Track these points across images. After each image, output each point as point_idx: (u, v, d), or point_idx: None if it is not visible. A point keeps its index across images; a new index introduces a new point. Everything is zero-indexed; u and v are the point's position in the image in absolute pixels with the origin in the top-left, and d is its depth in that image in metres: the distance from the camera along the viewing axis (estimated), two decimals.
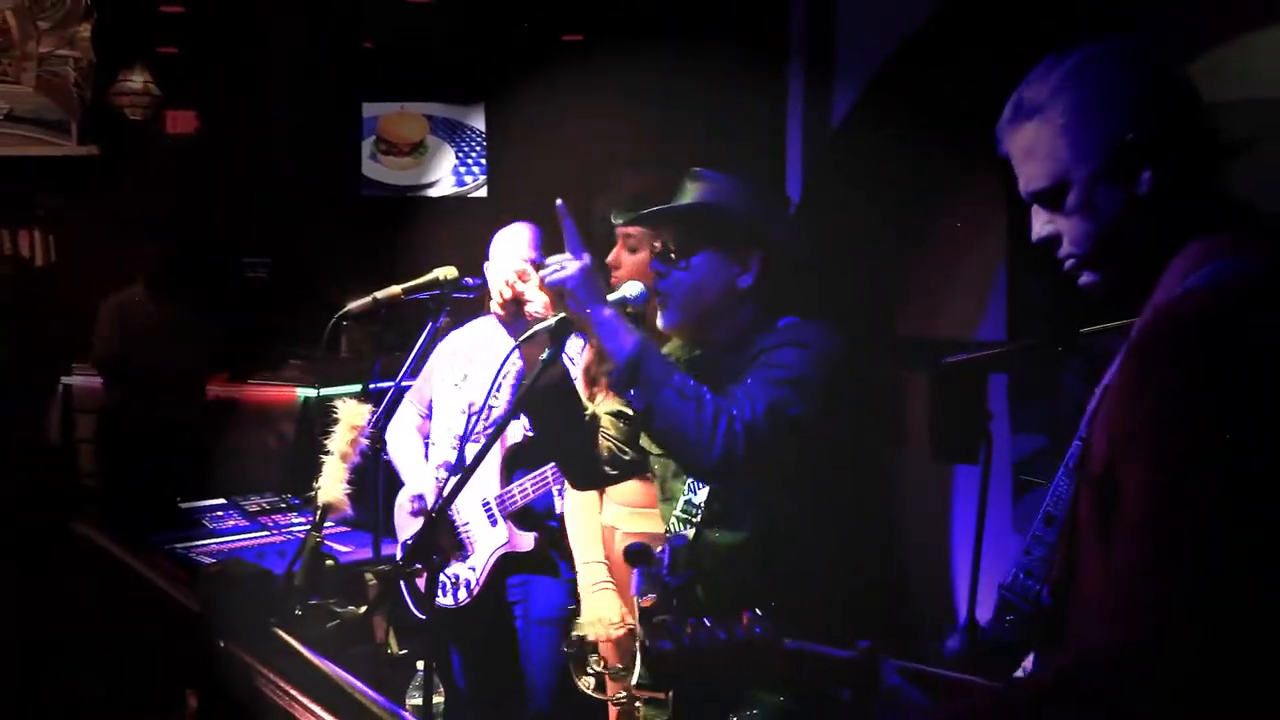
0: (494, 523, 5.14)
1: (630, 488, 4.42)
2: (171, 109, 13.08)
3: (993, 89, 7.25)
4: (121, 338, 9.11)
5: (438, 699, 4.25)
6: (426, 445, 5.43)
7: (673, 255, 3.61)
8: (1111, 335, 6.63)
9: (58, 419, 9.87)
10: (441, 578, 5.18)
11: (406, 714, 2.63)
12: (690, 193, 3.65)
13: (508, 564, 5.12)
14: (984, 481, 5.05)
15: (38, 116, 12.15)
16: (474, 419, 5.13)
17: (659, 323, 3.66)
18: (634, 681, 3.30)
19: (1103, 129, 2.35)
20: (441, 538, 5.12)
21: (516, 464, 5.16)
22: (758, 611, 2.54)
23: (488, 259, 5.28)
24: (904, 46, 7.30)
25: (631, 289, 4.17)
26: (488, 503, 5.14)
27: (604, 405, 4.42)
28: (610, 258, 4.35)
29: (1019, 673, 2.58)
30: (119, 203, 11.24)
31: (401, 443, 5.47)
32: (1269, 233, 2.32)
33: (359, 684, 2.66)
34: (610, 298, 4.15)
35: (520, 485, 5.11)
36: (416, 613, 5.11)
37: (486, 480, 5.14)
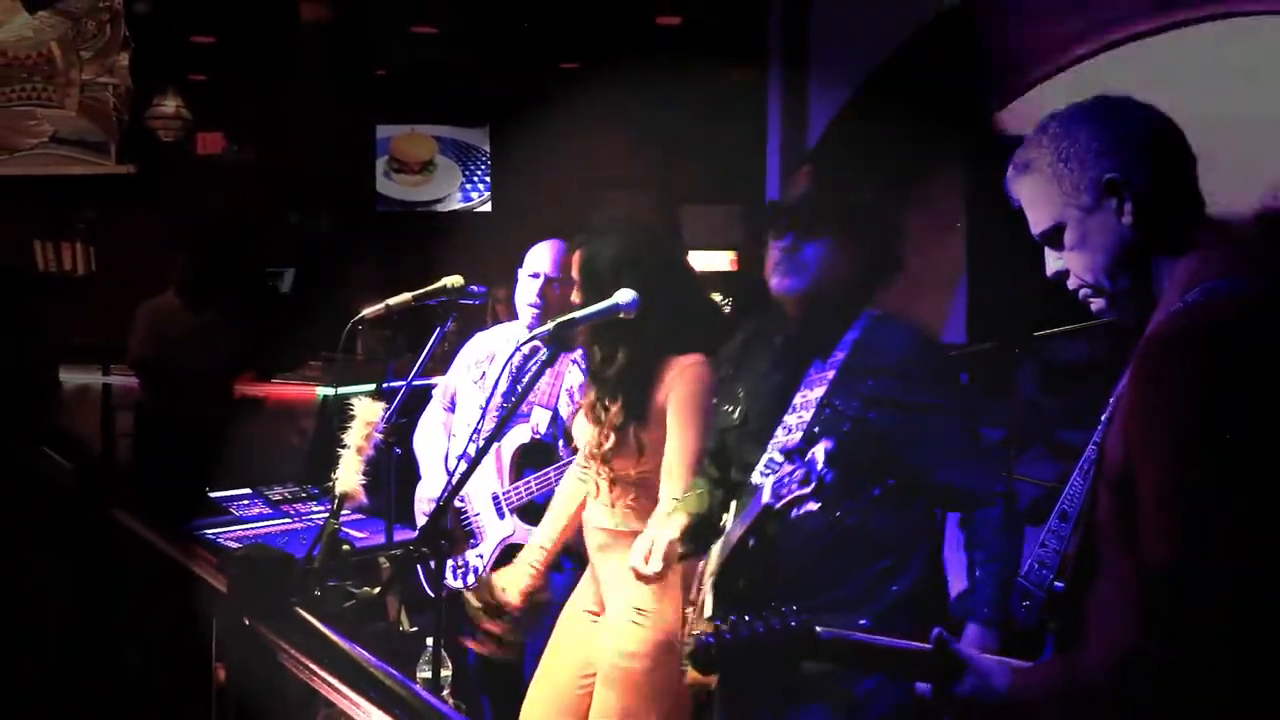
0: (501, 515, 5.14)
1: (602, 488, 4.42)
2: (201, 131, 13.08)
3: (951, 113, 7.28)
4: (155, 341, 9.10)
5: (445, 672, 4.22)
6: (451, 439, 5.43)
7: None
8: (1062, 338, 6.66)
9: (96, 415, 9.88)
10: (454, 564, 5.19)
11: (416, 686, 2.62)
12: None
13: (512, 553, 5.12)
14: None
15: (80, 138, 12.15)
16: (483, 415, 5.13)
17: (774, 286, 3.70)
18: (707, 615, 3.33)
19: (1084, 174, 2.46)
20: (453, 526, 5.13)
21: (525, 463, 5.15)
22: (793, 606, 2.53)
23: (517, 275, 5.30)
24: (871, 75, 7.32)
25: (624, 296, 4.17)
26: (496, 497, 5.14)
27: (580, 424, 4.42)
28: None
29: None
30: (154, 217, 11.24)
31: (426, 438, 5.46)
32: (1251, 249, 2.42)
33: (373, 658, 2.66)
34: (601, 306, 4.16)
35: (526, 483, 5.10)
36: (429, 591, 5.11)
37: (497, 476, 5.14)
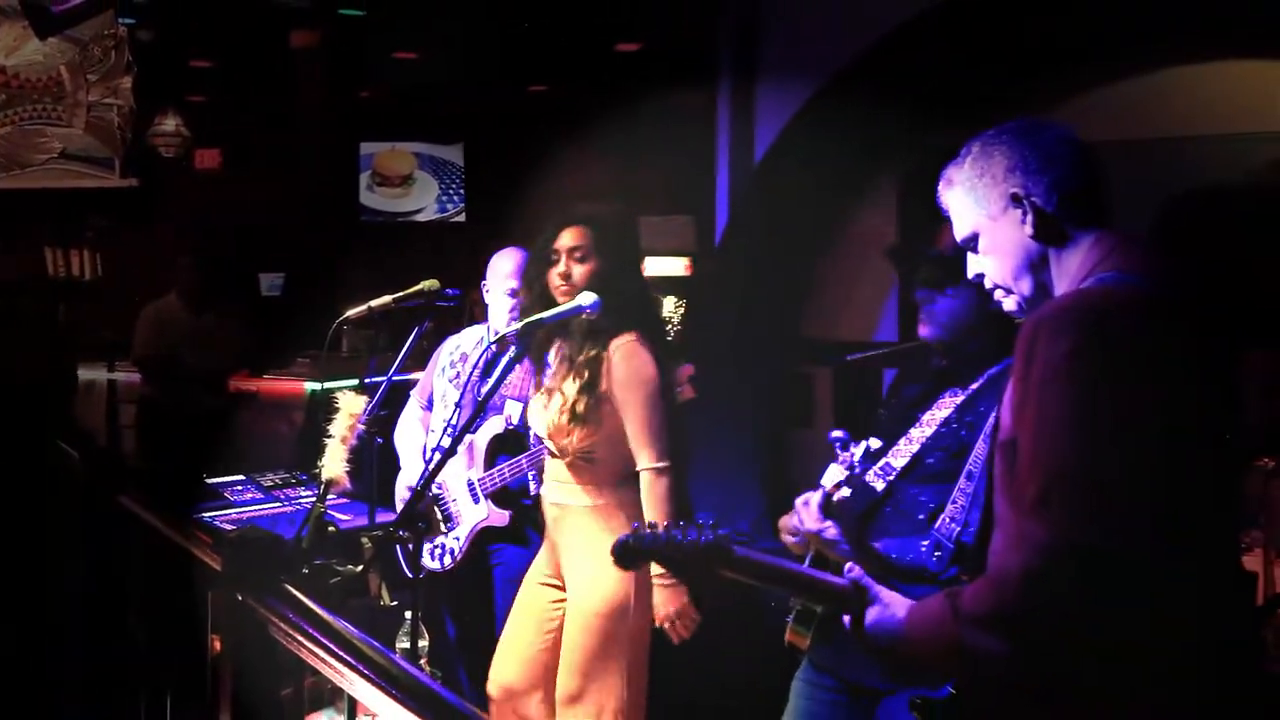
0: (476, 500, 5.13)
1: (557, 467, 4.43)
2: (199, 148, 13.03)
3: (889, 129, 7.29)
4: (157, 340, 9.07)
5: (423, 643, 4.23)
6: (429, 434, 5.41)
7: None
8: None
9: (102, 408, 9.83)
10: (432, 546, 5.18)
11: (396, 655, 2.62)
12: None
13: (487, 535, 5.11)
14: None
15: (87, 154, 12.09)
16: (456, 410, 5.12)
17: (920, 332, 3.66)
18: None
19: (993, 189, 2.55)
20: (430, 511, 5.12)
21: (499, 451, 5.15)
22: (718, 519, 2.59)
23: (484, 277, 5.28)
24: (813, 96, 7.32)
25: (586, 299, 4.17)
26: (472, 483, 5.13)
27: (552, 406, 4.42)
28: (562, 268, 4.34)
29: None
30: (155, 226, 11.20)
31: (404, 434, 5.45)
32: (1144, 251, 2.46)
33: (356, 631, 2.65)
34: (566, 307, 4.16)
35: (500, 470, 5.10)
36: (407, 572, 5.10)
37: (472, 464, 5.13)
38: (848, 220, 7.56)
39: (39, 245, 11.71)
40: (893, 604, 2.51)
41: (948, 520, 2.68)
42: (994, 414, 2.54)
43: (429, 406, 5.44)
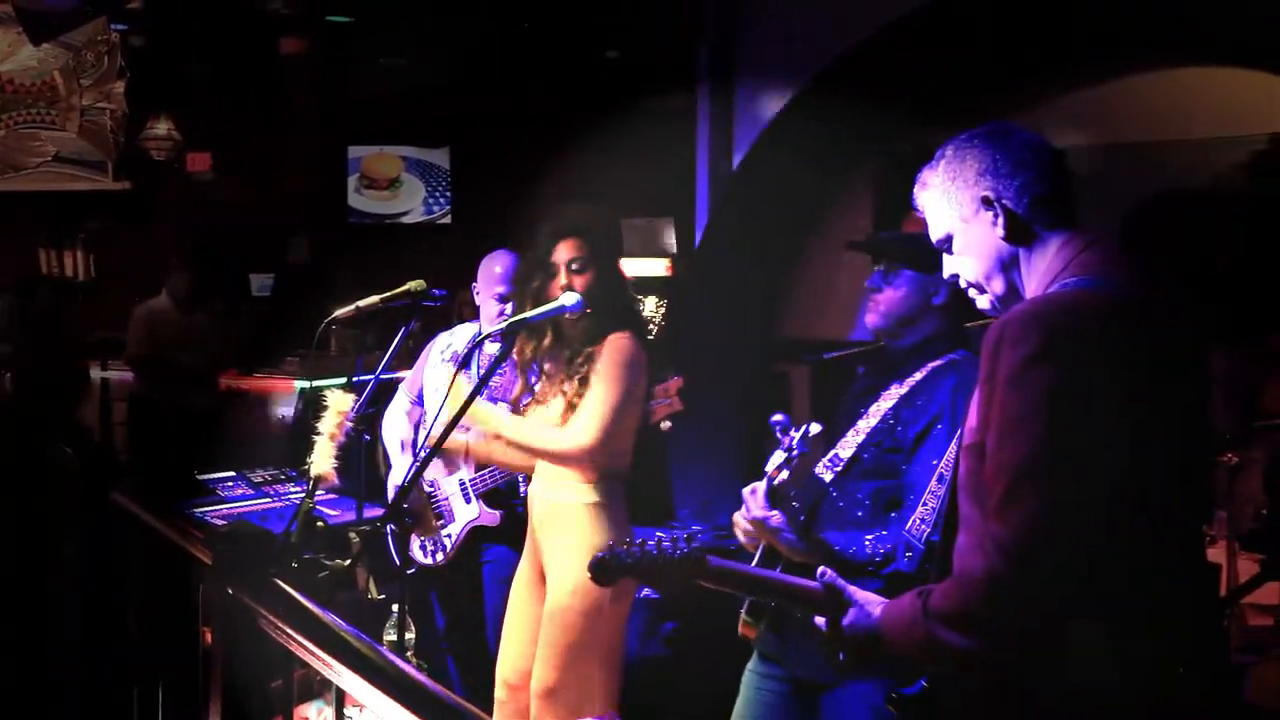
0: (468, 500, 5.12)
1: (546, 465, 4.43)
2: (190, 152, 13.00)
3: (862, 134, 7.29)
4: (149, 339, 9.05)
5: (409, 635, 4.22)
6: (416, 429, 5.39)
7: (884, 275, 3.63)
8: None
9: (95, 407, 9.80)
10: (424, 540, 5.16)
11: (383, 648, 2.60)
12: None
13: (479, 533, 5.10)
14: None
15: (80, 158, 12.06)
16: (443, 405, 5.12)
17: (866, 320, 3.69)
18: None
19: (966, 192, 2.55)
20: (425, 507, 5.11)
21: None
22: (693, 532, 2.62)
23: (474, 279, 5.27)
24: (789, 103, 7.33)
25: (569, 298, 4.17)
26: (464, 483, 5.12)
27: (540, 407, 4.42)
28: (563, 281, 4.33)
29: None
30: (147, 228, 11.18)
31: (391, 427, 5.43)
32: (1108, 255, 2.46)
33: (344, 624, 2.64)
34: (549, 307, 4.16)
35: (491, 472, 5.08)
36: (396, 560, 5.09)
37: (464, 464, 5.12)
38: (823, 222, 7.57)
39: (33, 247, 11.67)
40: (867, 604, 2.53)
41: (919, 521, 2.69)
42: (945, 414, 2.53)
43: (419, 401, 5.42)
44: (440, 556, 5.17)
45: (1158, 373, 2.34)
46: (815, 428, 3.34)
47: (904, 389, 3.50)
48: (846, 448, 3.51)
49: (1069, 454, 2.22)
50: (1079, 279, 2.39)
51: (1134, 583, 2.28)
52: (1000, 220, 2.50)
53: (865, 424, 3.52)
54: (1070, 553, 2.20)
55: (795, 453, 3.24)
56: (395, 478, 5.26)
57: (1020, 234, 2.51)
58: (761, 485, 3.31)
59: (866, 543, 3.30)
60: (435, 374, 5.34)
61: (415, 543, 5.16)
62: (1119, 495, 2.24)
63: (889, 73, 6.85)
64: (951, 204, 2.57)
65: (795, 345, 7.57)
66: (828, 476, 3.50)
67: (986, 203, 2.51)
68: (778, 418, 3.32)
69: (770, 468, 3.30)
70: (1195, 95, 6.45)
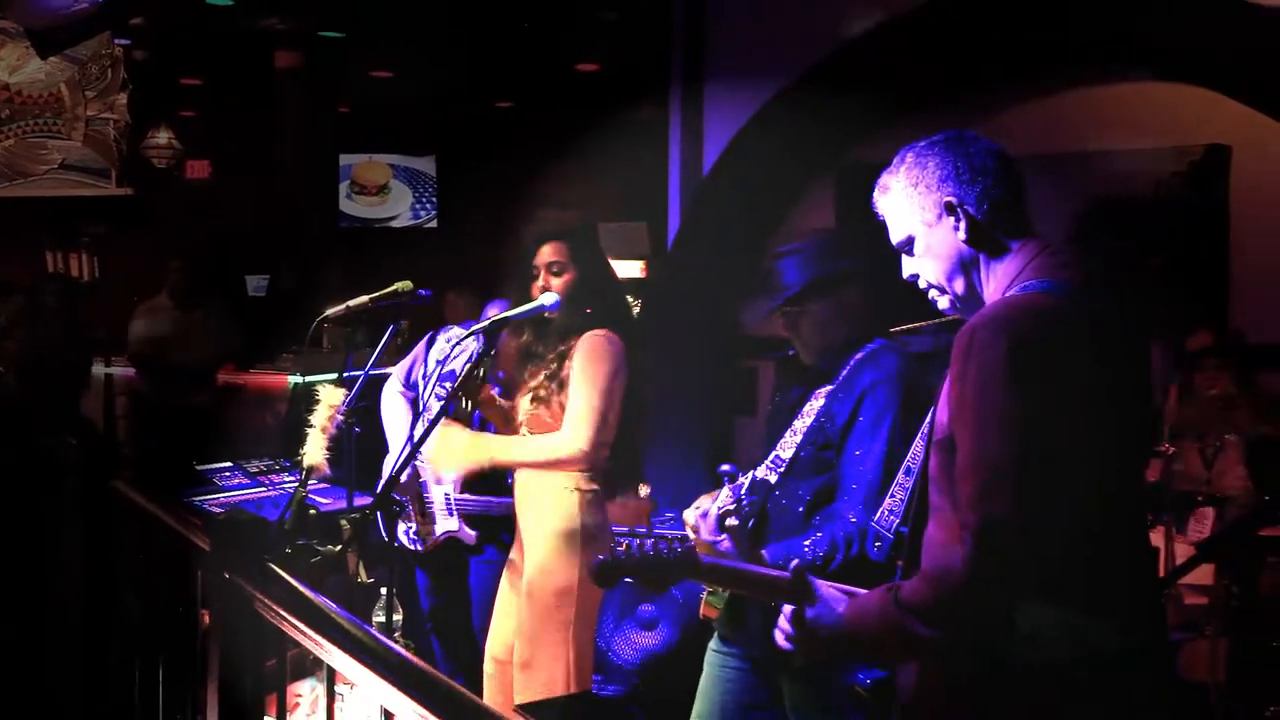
0: (450, 513, 5.13)
1: None
2: (190, 159, 12.97)
3: (825, 142, 7.30)
4: (149, 337, 9.03)
5: (397, 617, 4.21)
6: (412, 406, 5.40)
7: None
8: (916, 333, 6.69)
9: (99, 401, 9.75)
10: (408, 527, 5.17)
11: (372, 629, 2.61)
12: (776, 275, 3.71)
13: (453, 544, 5.11)
14: None
15: (85, 165, 12.04)
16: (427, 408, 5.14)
17: (801, 354, 3.66)
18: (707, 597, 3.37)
19: (928, 197, 2.53)
20: (416, 499, 5.13)
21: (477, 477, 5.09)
22: (681, 538, 2.64)
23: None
24: (756, 112, 7.35)
25: (547, 298, 4.18)
26: (448, 496, 5.14)
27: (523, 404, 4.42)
28: (541, 282, 4.35)
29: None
30: (148, 232, 11.16)
31: (389, 408, 5.43)
32: (1062, 257, 2.46)
33: (335, 606, 2.64)
34: (529, 307, 4.16)
35: (474, 498, 5.08)
36: (384, 535, 5.11)
37: (453, 479, 5.13)
38: (789, 225, 7.58)
39: (40, 249, 11.64)
40: (831, 600, 2.52)
41: (887, 513, 2.70)
42: (931, 412, 2.53)
43: (408, 386, 5.43)
44: (421, 547, 5.18)
45: (1112, 369, 2.37)
46: (761, 473, 3.40)
47: (833, 385, 3.52)
48: (786, 448, 3.51)
49: (1038, 451, 2.23)
50: (1038, 282, 2.39)
51: (1095, 569, 2.30)
52: (962, 225, 2.49)
53: (801, 424, 3.52)
54: (1042, 544, 2.22)
55: (745, 502, 3.27)
56: (390, 460, 5.26)
57: (981, 238, 2.50)
58: (713, 511, 3.33)
59: (805, 548, 3.30)
60: (431, 370, 5.36)
61: (402, 527, 5.16)
62: (1083, 487, 2.26)
63: (849, 85, 6.87)
64: (914, 208, 2.55)
65: (761, 343, 7.58)
66: (772, 478, 3.50)
67: (949, 208, 2.50)
68: (725, 468, 3.35)
69: (721, 505, 3.33)
70: (1135, 108, 6.49)
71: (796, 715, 3.52)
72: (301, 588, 2.74)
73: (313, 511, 4.26)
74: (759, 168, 7.37)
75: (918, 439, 2.64)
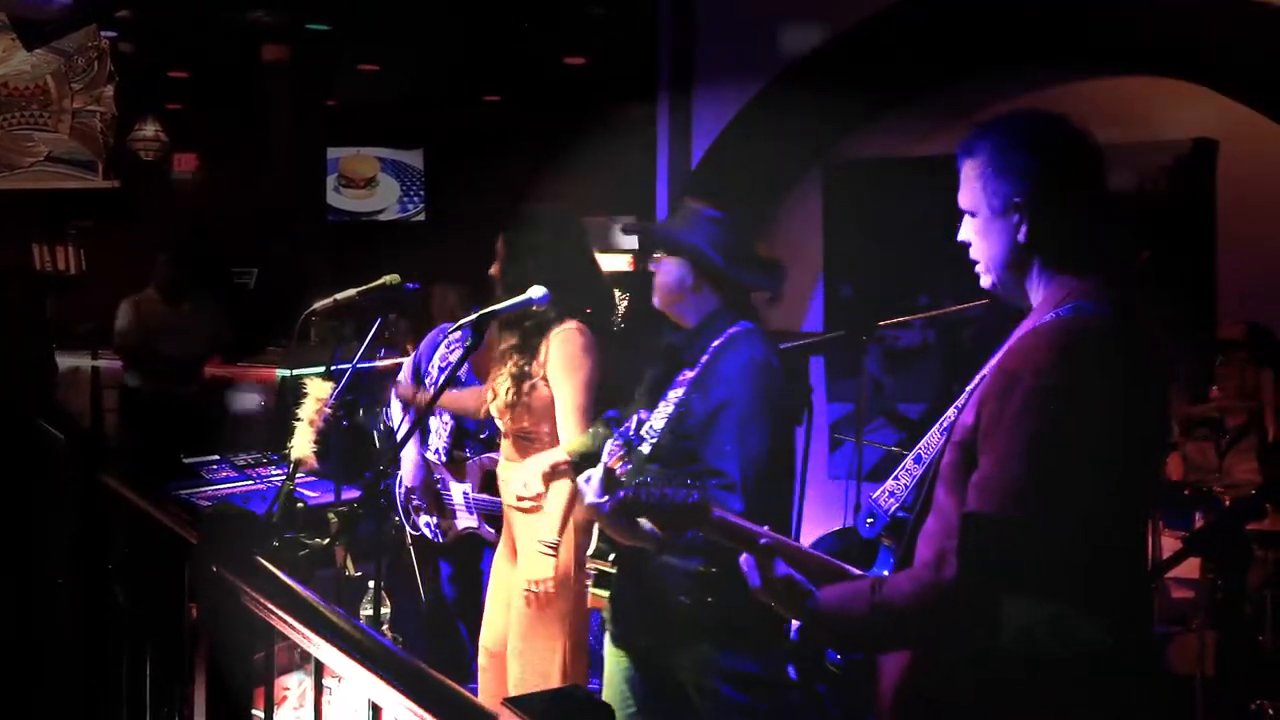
0: (470, 511, 5.15)
1: (508, 447, 4.44)
2: (177, 152, 12.94)
3: (812, 137, 7.29)
4: (134, 328, 9.00)
5: (385, 610, 4.21)
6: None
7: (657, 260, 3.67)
8: (900, 328, 6.70)
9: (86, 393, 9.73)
10: (428, 520, 5.24)
11: (360, 622, 2.60)
12: (670, 222, 3.74)
13: (472, 538, 5.15)
14: (806, 438, 5.11)
15: (71, 158, 11.98)
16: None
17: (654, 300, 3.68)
18: (589, 553, 3.38)
19: (1000, 186, 2.45)
20: (430, 497, 5.20)
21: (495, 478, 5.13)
22: (698, 483, 2.64)
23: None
24: (744, 107, 7.35)
25: (535, 292, 4.17)
26: (467, 495, 5.15)
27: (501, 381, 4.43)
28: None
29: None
30: (135, 224, 11.14)
31: (396, 412, 5.47)
32: (1117, 282, 2.43)
33: (322, 599, 2.64)
34: (517, 300, 4.15)
35: (491, 498, 5.10)
36: (408, 527, 5.15)
37: (466, 478, 5.16)
38: (775, 219, 7.58)
39: (27, 242, 11.60)
40: (815, 567, 2.52)
41: (887, 494, 2.67)
42: (954, 409, 2.52)
43: (411, 379, 5.46)
44: (442, 539, 5.22)
45: (1146, 389, 2.37)
46: (645, 416, 3.41)
47: (694, 373, 3.53)
48: (659, 419, 3.55)
49: (1065, 472, 2.24)
50: (1091, 305, 2.36)
51: (1094, 571, 2.30)
52: (1025, 229, 2.43)
53: (664, 409, 3.55)
54: (1043, 550, 2.24)
55: (634, 441, 3.26)
56: (407, 452, 5.26)
57: (1040, 243, 2.45)
58: (598, 473, 3.32)
59: None
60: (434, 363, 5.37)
61: (424, 519, 5.21)
62: (1101, 500, 2.27)
63: (833, 82, 6.87)
64: (984, 190, 2.48)
65: None
66: (646, 449, 3.52)
67: (1016, 207, 2.44)
68: (610, 414, 3.35)
69: (609, 460, 3.33)
70: (1122, 101, 6.49)
71: (665, 701, 3.57)
72: (289, 581, 2.73)
73: (300, 505, 4.25)
74: (747, 161, 7.37)
75: (935, 430, 2.61)
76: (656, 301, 3.68)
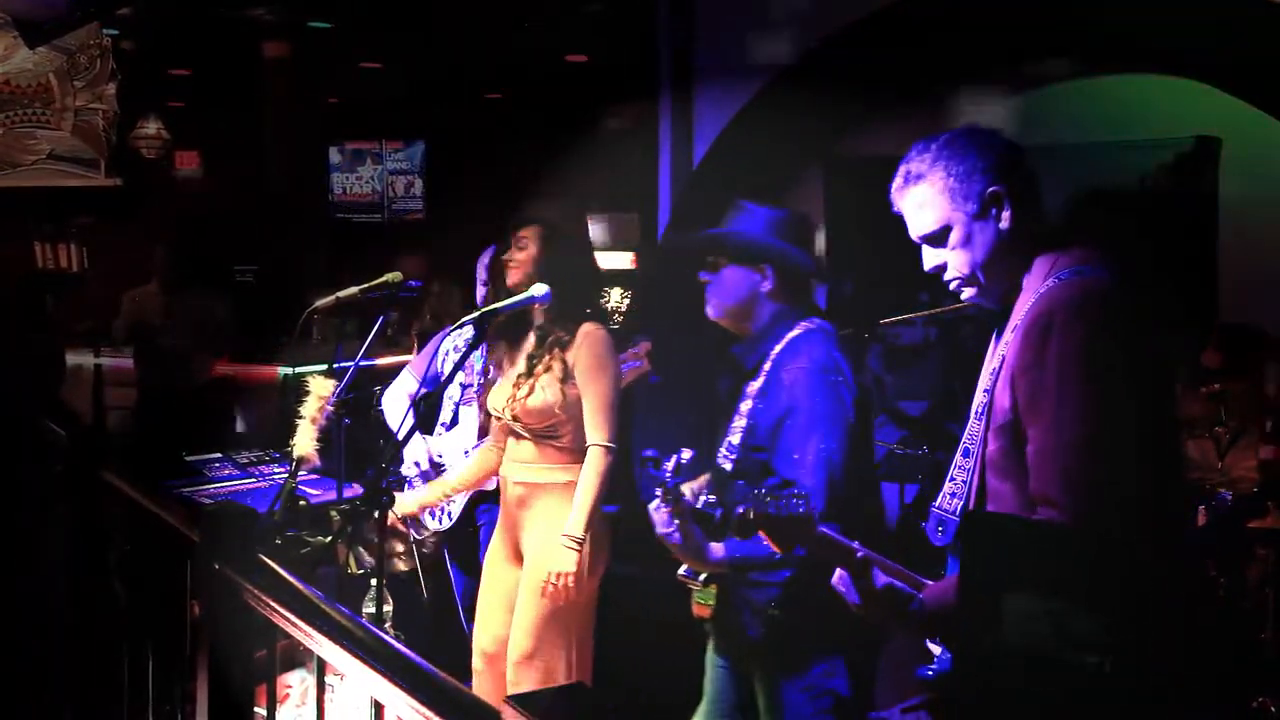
0: (434, 516, 5.19)
1: (523, 448, 4.42)
2: (179, 150, 12.94)
3: (813, 135, 7.29)
4: (133, 322, 9.03)
5: (387, 608, 4.20)
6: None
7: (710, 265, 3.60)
8: (901, 325, 6.69)
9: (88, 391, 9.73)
10: (434, 511, 5.24)
11: (362, 620, 2.60)
12: (724, 222, 3.65)
13: (477, 497, 5.13)
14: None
15: (74, 156, 11.98)
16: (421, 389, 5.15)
17: (707, 311, 3.63)
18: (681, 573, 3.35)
19: (973, 186, 2.53)
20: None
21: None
22: (799, 492, 2.63)
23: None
24: (745, 105, 7.35)
25: (538, 289, 4.17)
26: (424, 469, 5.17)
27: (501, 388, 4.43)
28: (506, 255, 4.40)
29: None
30: (137, 222, 11.15)
31: (392, 408, 5.44)
32: (1095, 247, 2.51)
33: (324, 597, 2.63)
34: (520, 298, 4.15)
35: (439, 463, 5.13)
36: (414, 531, 5.17)
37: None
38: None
39: (29, 240, 11.60)
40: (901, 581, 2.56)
41: (948, 496, 2.64)
42: (984, 393, 2.52)
43: (425, 384, 5.45)
44: (447, 522, 5.22)
45: (1156, 346, 2.46)
46: (686, 454, 3.31)
47: (758, 382, 3.49)
48: (735, 433, 3.52)
49: (1126, 429, 2.29)
50: (1089, 268, 2.44)
51: (1157, 550, 2.34)
52: (1006, 214, 2.52)
53: (738, 422, 3.51)
54: (1114, 529, 2.28)
55: (670, 484, 3.20)
56: (410, 454, 5.25)
57: (1023, 227, 2.53)
58: (664, 505, 3.26)
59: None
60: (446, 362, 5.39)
61: (425, 516, 5.23)
62: (1158, 461, 2.35)
63: (836, 80, 6.86)
64: (955, 198, 2.54)
65: None
66: (727, 466, 3.48)
67: (995, 198, 2.52)
68: (648, 454, 3.27)
69: (654, 510, 3.29)
70: (1125, 100, 6.49)
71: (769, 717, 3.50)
72: (291, 578, 2.73)
73: (302, 503, 4.25)
74: (749, 158, 7.37)
75: (973, 418, 2.60)
76: (712, 313, 3.61)
